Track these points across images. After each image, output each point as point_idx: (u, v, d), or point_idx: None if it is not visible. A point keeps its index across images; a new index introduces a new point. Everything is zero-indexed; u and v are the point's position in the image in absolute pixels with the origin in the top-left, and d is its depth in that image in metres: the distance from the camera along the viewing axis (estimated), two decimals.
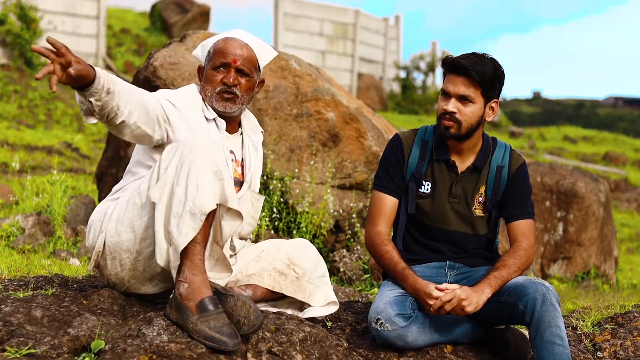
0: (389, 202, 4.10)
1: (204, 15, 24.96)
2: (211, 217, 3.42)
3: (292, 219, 6.72)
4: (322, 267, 4.01)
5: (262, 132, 4.17)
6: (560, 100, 72.42)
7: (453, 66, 3.97)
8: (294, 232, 6.65)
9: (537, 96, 73.61)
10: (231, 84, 3.85)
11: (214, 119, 3.85)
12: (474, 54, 3.99)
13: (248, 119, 4.04)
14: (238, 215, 3.52)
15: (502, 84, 4.06)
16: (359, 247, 6.67)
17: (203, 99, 3.86)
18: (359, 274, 6.40)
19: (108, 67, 20.96)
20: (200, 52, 3.94)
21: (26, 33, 18.57)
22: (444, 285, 3.78)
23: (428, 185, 4.10)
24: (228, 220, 3.52)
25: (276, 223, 6.68)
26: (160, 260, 3.42)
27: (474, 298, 3.70)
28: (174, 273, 3.41)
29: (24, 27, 18.66)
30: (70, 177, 10.61)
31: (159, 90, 3.79)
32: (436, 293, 3.74)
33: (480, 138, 4.11)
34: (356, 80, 27.52)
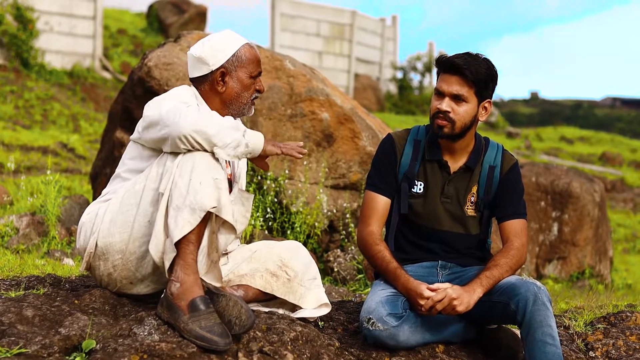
0: (381, 202, 4.10)
1: (201, 15, 24.96)
2: (207, 219, 3.43)
3: (286, 219, 6.73)
4: (314, 269, 4.02)
5: None
6: (558, 100, 72.40)
7: (447, 65, 3.97)
8: (288, 232, 6.65)
9: (534, 97, 73.57)
10: (263, 90, 3.97)
11: None
12: (468, 53, 3.99)
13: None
14: (232, 229, 3.55)
15: (496, 84, 4.06)
16: (353, 247, 6.68)
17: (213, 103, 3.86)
18: (353, 273, 6.40)
19: (105, 68, 20.95)
20: (214, 55, 3.80)
21: (23, 34, 18.58)
22: (435, 286, 3.78)
23: (420, 185, 4.10)
24: (224, 234, 3.55)
25: (270, 223, 6.68)
26: (154, 250, 3.43)
27: (465, 298, 3.70)
28: (167, 265, 3.41)
29: (21, 27, 18.67)
30: (66, 177, 10.61)
31: (156, 100, 3.73)
32: (427, 293, 3.74)
33: (472, 138, 4.11)
34: (353, 81, 27.52)
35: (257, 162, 3.65)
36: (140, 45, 23.37)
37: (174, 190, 3.40)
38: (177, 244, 3.36)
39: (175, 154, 3.48)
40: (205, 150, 3.45)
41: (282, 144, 3.62)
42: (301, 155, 3.65)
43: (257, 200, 6.64)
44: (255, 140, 3.53)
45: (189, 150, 3.44)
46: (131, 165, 3.74)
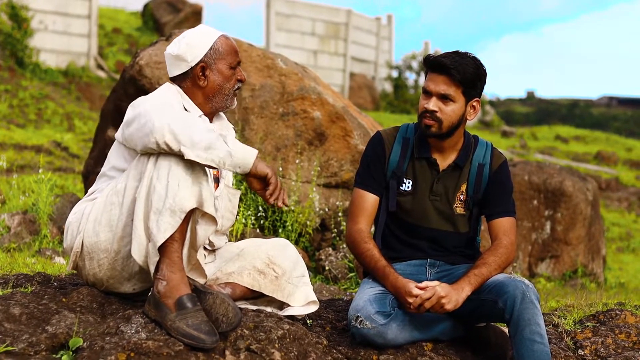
0: (369, 200, 4.10)
1: (196, 14, 24.95)
2: (189, 216, 3.42)
3: (277, 218, 6.73)
4: (302, 267, 4.02)
5: (233, 128, 4.15)
6: (554, 99, 72.51)
7: (434, 65, 3.97)
8: (280, 230, 6.65)
9: (531, 96, 73.68)
10: (245, 80, 3.96)
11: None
12: (456, 52, 3.99)
13: (218, 115, 4.04)
14: (213, 220, 3.52)
15: (484, 83, 4.06)
16: (344, 246, 6.67)
17: (193, 99, 3.84)
18: (344, 272, 6.40)
19: (99, 67, 20.94)
20: (191, 51, 3.79)
21: (17, 32, 18.56)
22: (424, 284, 3.78)
23: (409, 182, 4.10)
24: (203, 225, 3.52)
25: (262, 222, 6.68)
26: (137, 255, 3.42)
27: (453, 296, 3.70)
28: (151, 268, 3.41)
29: (15, 26, 18.65)
30: (59, 176, 10.61)
31: (139, 100, 3.71)
32: (416, 291, 3.74)
33: (461, 136, 4.11)
34: (348, 80, 27.54)
35: (251, 183, 3.57)
36: (135, 44, 23.37)
37: (152, 194, 3.38)
38: (162, 244, 3.36)
39: (153, 154, 3.47)
40: (175, 153, 3.39)
41: (276, 178, 3.54)
42: (281, 205, 3.57)
43: (248, 198, 6.65)
44: (244, 151, 3.44)
45: (161, 153, 3.42)
46: (116, 163, 3.74)
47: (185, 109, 3.78)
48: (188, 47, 3.79)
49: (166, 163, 3.39)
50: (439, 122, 3.94)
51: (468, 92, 3.96)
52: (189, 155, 3.34)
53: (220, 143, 3.39)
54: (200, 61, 3.80)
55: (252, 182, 3.56)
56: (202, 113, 3.83)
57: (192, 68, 3.80)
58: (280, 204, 3.56)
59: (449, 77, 3.91)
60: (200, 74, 3.81)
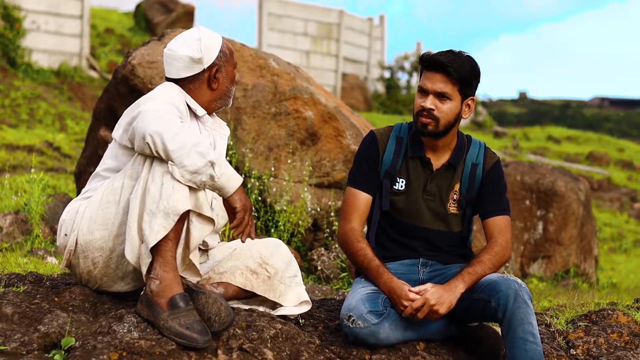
0: (362, 199, 4.10)
1: (188, 14, 24.92)
2: (185, 216, 3.42)
3: (270, 218, 6.72)
4: (294, 267, 4.02)
5: (226, 125, 4.15)
6: (547, 100, 72.60)
7: (431, 63, 3.97)
8: (272, 230, 6.65)
9: (523, 96, 73.74)
10: (236, 80, 4.03)
11: (199, 117, 3.84)
12: (451, 51, 4.00)
13: (212, 114, 4.03)
14: (209, 221, 3.52)
15: (479, 81, 4.07)
16: (336, 246, 6.67)
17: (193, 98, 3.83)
18: (336, 272, 6.40)
19: (92, 67, 20.90)
20: (207, 53, 3.78)
21: (9, 32, 18.51)
22: (417, 288, 3.77)
23: (402, 182, 4.10)
24: (198, 226, 3.51)
25: (254, 221, 6.67)
26: (130, 256, 3.42)
27: (445, 298, 3.71)
28: (143, 270, 3.41)
29: (7, 26, 18.59)
30: (51, 176, 10.59)
31: (142, 99, 3.69)
32: (412, 295, 3.74)
33: (455, 136, 4.11)
34: (340, 80, 27.54)
35: (225, 205, 3.58)
36: (127, 44, 23.34)
37: (147, 195, 3.38)
38: (155, 244, 3.35)
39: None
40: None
41: (248, 214, 3.54)
42: (244, 240, 3.57)
43: None
44: (227, 179, 3.43)
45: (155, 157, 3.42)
46: (110, 164, 3.73)
47: (189, 107, 3.76)
48: (205, 50, 3.77)
49: (161, 165, 3.39)
50: (436, 120, 3.94)
51: (464, 90, 3.97)
52: (174, 172, 3.35)
53: (207, 168, 3.37)
54: (213, 64, 3.79)
55: (227, 207, 3.56)
56: (206, 112, 3.83)
57: (203, 70, 3.79)
58: (243, 239, 3.55)
59: (446, 75, 3.92)
60: (214, 76, 3.80)
